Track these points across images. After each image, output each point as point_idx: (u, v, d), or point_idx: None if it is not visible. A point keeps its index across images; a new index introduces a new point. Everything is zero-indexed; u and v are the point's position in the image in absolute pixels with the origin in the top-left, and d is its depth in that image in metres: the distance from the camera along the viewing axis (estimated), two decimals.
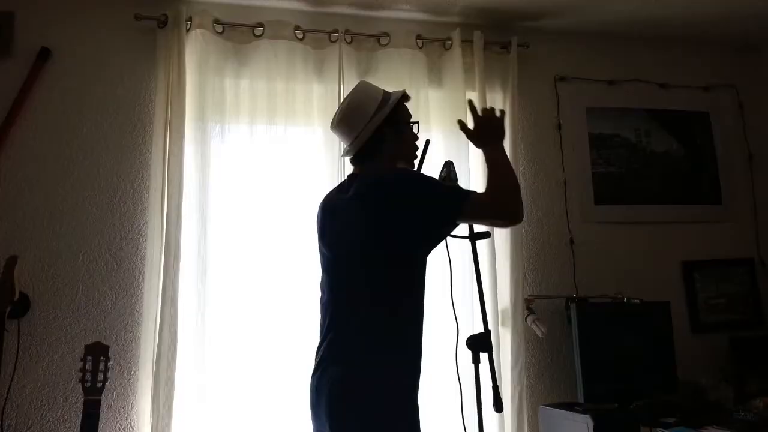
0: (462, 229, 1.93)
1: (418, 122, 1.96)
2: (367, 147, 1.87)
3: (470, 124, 1.96)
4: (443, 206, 1.75)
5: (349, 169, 2.00)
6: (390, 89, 2.92)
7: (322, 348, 1.78)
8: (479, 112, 1.97)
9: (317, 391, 1.73)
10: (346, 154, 1.96)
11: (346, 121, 1.90)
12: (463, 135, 2.87)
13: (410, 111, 1.97)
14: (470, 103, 2.02)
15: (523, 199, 2.99)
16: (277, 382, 2.57)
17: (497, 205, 1.77)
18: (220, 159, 2.71)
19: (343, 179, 2.04)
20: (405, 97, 1.95)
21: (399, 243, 1.73)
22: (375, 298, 1.73)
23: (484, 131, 1.94)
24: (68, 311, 2.53)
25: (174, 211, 2.54)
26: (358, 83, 2.00)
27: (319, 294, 1.89)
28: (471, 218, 1.86)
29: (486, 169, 1.92)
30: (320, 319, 1.85)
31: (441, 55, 3.01)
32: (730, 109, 3.46)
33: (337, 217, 1.87)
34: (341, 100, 2.76)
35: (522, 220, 1.83)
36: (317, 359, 1.78)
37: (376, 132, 1.86)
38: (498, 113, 1.96)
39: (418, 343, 1.75)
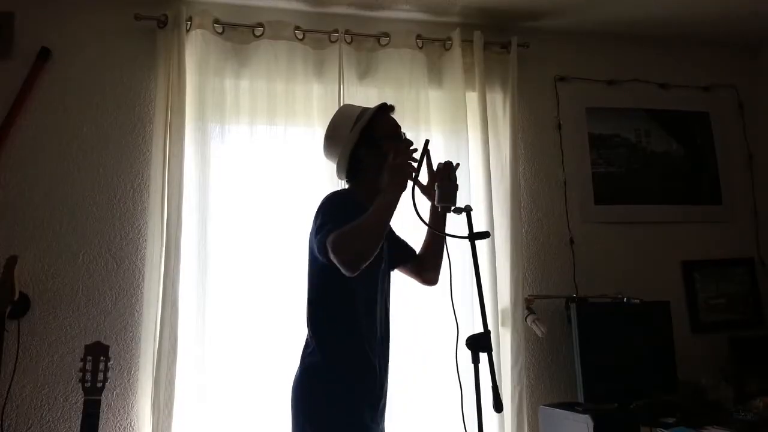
0: (462, 229, 1.92)
1: (403, 132, 1.97)
2: (349, 170, 1.94)
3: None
4: (317, 244, 1.78)
5: None
6: (390, 89, 2.94)
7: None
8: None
9: None
10: (338, 176, 2.04)
11: (325, 149, 1.99)
12: (463, 135, 2.91)
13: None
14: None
15: (522, 200, 3.03)
16: (278, 382, 2.57)
17: (337, 251, 1.67)
18: (220, 159, 2.71)
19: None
20: (384, 110, 1.95)
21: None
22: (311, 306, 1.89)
23: (394, 173, 1.83)
24: (68, 311, 2.53)
25: (174, 211, 2.55)
26: (340, 107, 2.05)
27: None
28: (328, 259, 1.73)
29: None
30: None
31: (441, 55, 3.01)
32: (730, 109, 3.46)
33: None
34: (341, 101, 2.77)
35: (354, 269, 1.67)
36: None
37: (353, 155, 1.90)
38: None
39: (355, 351, 1.83)
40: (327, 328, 1.85)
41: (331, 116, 2.01)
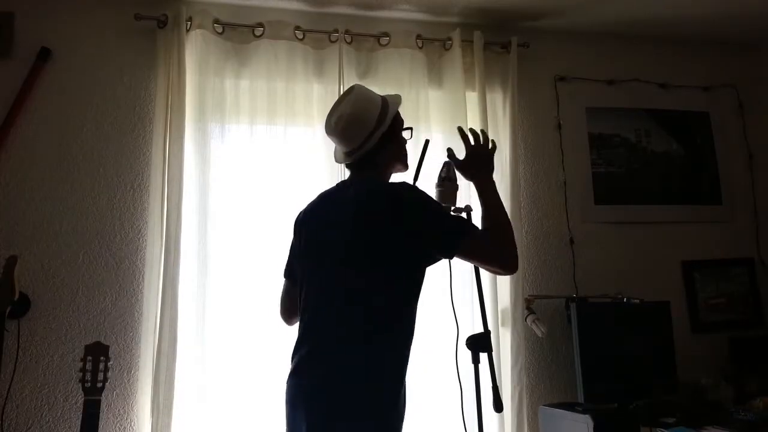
0: None
1: (411, 128, 1.96)
2: (367, 155, 1.86)
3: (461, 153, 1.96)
4: (443, 238, 1.74)
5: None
6: (390, 89, 2.92)
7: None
8: (471, 140, 1.96)
9: None
10: (344, 161, 1.94)
11: (349, 130, 1.85)
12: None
13: (408, 112, 1.98)
14: (460, 130, 2.01)
15: (522, 200, 3.04)
16: (278, 382, 2.56)
17: (498, 252, 1.77)
18: (220, 159, 2.71)
19: (338, 182, 2.03)
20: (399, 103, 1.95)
21: (388, 257, 1.71)
22: (355, 301, 1.71)
23: (474, 162, 1.93)
24: (68, 311, 2.53)
25: (174, 211, 2.54)
26: (356, 88, 1.93)
27: None
28: (466, 257, 1.80)
29: (481, 206, 1.88)
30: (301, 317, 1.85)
31: (441, 55, 3.01)
32: (730, 109, 3.46)
33: (332, 220, 1.85)
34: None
35: (516, 267, 1.82)
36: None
37: (380, 141, 1.85)
38: (490, 144, 1.96)
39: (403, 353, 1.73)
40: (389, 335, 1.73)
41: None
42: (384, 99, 1.92)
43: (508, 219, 1.85)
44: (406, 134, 1.95)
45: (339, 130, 1.87)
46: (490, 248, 1.77)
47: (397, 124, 1.92)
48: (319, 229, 1.88)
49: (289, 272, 2.01)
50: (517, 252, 1.80)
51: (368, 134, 1.83)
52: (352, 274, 1.72)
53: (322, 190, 2.02)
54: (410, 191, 1.79)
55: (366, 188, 1.82)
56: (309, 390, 1.68)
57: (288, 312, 2.01)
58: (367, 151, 1.85)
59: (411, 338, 1.75)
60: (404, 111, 2.79)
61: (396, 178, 1.95)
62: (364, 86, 1.98)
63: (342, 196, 1.86)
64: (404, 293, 1.74)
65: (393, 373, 1.68)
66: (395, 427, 1.66)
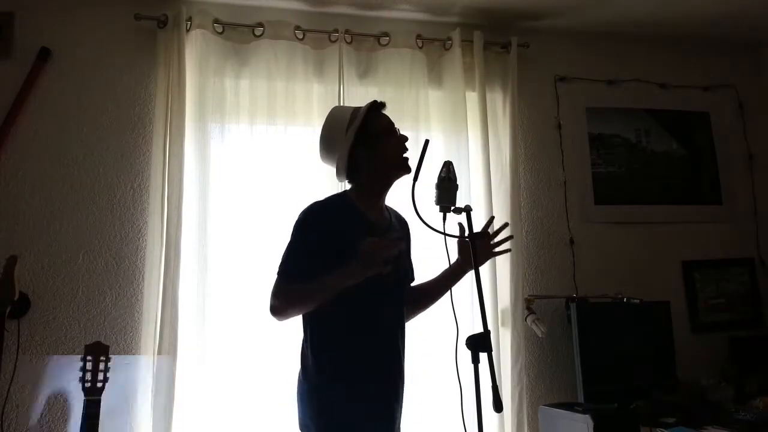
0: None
1: (393, 125, 1.96)
2: (348, 170, 1.93)
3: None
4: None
5: None
6: (390, 89, 2.94)
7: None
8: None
9: None
10: (338, 178, 2.04)
11: (322, 154, 1.98)
12: (463, 135, 2.90)
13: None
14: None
15: (522, 200, 3.02)
16: (278, 381, 2.57)
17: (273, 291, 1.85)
18: (220, 159, 2.71)
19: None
20: (375, 107, 1.94)
21: None
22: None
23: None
24: (68, 311, 2.53)
25: (174, 211, 2.54)
26: (330, 111, 2.01)
27: None
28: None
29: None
30: None
31: (441, 55, 3.01)
32: (730, 109, 3.46)
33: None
34: (341, 101, 2.77)
35: (275, 316, 1.85)
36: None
37: (350, 156, 1.89)
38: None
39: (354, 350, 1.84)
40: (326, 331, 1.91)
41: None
42: (354, 110, 1.94)
43: (313, 295, 1.84)
44: (392, 136, 1.94)
45: (319, 153, 1.99)
46: (272, 291, 1.85)
47: (370, 129, 1.91)
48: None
49: None
50: (281, 309, 1.84)
51: (338, 150, 1.90)
52: None
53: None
54: (303, 212, 1.92)
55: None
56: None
57: None
58: (346, 169, 1.92)
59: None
60: (404, 111, 2.83)
61: (400, 183, 1.97)
62: (340, 106, 2.08)
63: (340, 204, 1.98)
64: None
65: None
66: None
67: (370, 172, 1.92)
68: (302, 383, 1.87)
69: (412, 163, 1.95)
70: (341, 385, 1.80)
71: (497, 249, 2.07)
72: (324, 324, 1.85)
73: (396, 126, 1.98)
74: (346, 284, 1.75)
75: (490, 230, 2.08)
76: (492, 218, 2.16)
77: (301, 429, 1.85)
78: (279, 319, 1.85)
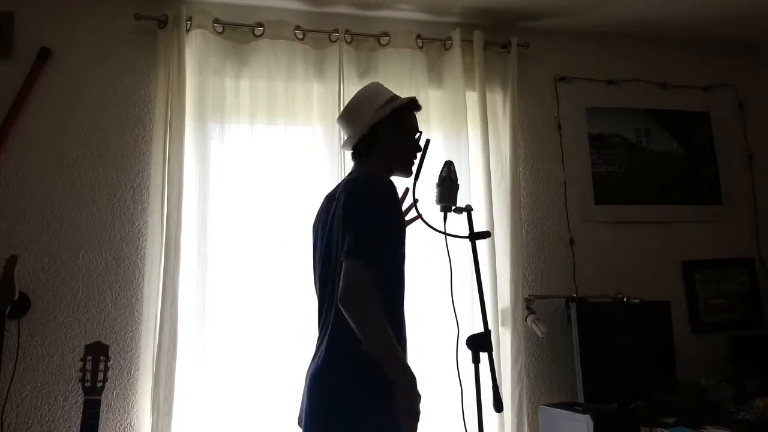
0: (462, 228, 1.93)
1: (421, 132, 1.97)
2: (362, 144, 1.91)
3: None
4: (347, 241, 1.66)
5: (350, 167, 2.02)
6: (390, 89, 2.93)
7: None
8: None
9: None
10: (344, 146, 2.02)
11: (347, 114, 1.97)
12: (463, 135, 2.90)
13: (417, 121, 1.98)
14: None
15: (522, 200, 3.02)
16: (278, 381, 2.57)
17: (352, 292, 1.62)
18: (220, 159, 2.71)
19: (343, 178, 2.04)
20: (414, 106, 1.97)
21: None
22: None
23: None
24: (68, 311, 2.53)
25: (174, 211, 2.54)
26: (371, 83, 2.03)
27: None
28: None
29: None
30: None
31: (441, 55, 3.01)
32: (730, 109, 3.46)
33: (329, 212, 1.87)
34: (341, 101, 2.77)
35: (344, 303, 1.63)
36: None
37: (372, 130, 1.89)
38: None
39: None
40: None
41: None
42: (394, 95, 1.96)
43: (379, 346, 1.62)
44: (418, 141, 1.96)
45: (342, 114, 1.97)
46: (352, 281, 1.62)
47: (401, 121, 1.93)
48: (321, 235, 1.90)
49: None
50: (359, 317, 1.62)
51: (364, 119, 1.89)
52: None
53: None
54: (376, 181, 1.76)
55: (343, 183, 1.85)
56: None
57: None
58: (361, 139, 1.90)
59: None
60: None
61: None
62: (382, 84, 2.03)
63: (335, 195, 1.88)
64: None
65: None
66: None
67: (382, 155, 1.91)
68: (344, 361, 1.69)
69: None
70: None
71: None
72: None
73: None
74: (392, 374, 1.60)
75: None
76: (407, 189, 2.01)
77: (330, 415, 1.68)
78: (348, 307, 1.61)
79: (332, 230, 1.79)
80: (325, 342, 1.75)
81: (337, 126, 2.53)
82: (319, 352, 1.77)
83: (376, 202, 1.74)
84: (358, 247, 1.65)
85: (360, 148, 1.93)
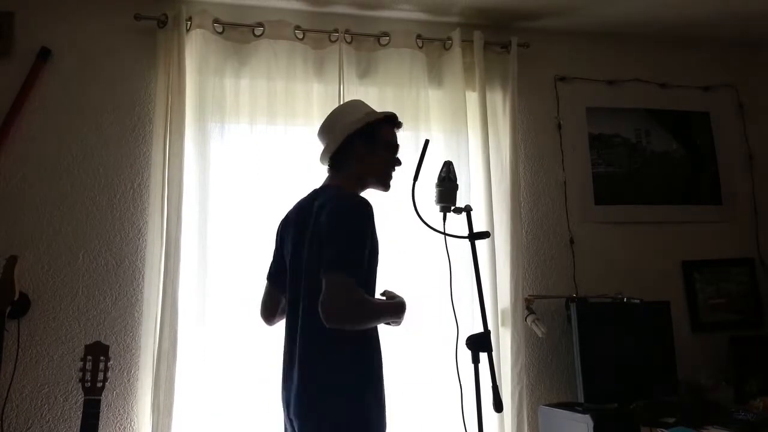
0: (462, 228, 1.93)
1: (398, 146, 1.96)
2: (337, 156, 1.91)
3: None
4: (324, 257, 1.67)
5: None
6: (390, 89, 2.94)
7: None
8: None
9: None
10: (320, 158, 2.00)
11: (323, 127, 1.97)
12: (463, 135, 2.91)
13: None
14: None
15: (522, 200, 3.02)
16: (278, 382, 2.57)
17: (332, 303, 1.63)
18: (220, 158, 2.71)
19: (312, 190, 1.99)
20: (392, 121, 1.95)
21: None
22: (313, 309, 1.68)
23: None
24: (68, 311, 2.53)
25: (174, 211, 2.54)
26: (353, 100, 2.05)
27: None
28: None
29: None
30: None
31: (441, 55, 3.01)
32: (730, 109, 3.46)
33: (303, 225, 1.85)
34: (341, 101, 2.77)
35: (331, 324, 1.63)
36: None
37: (346, 142, 1.88)
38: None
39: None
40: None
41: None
42: (374, 111, 1.96)
43: (374, 318, 1.75)
44: (394, 156, 1.95)
45: (320, 126, 1.98)
46: (333, 295, 1.62)
47: (375, 133, 1.91)
48: (293, 242, 1.89)
49: (270, 275, 2.06)
50: (346, 321, 1.66)
51: (338, 131, 1.89)
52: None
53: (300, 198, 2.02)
54: (354, 204, 1.76)
55: (321, 201, 1.82)
56: None
57: (268, 312, 2.06)
58: (335, 152, 1.90)
59: None
60: (404, 111, 2.82)
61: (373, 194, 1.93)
62: (362, 101, 2.04)
63: (309, 207, 1.85)
64: None
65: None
66: None
67: (357, 168, 1.91)
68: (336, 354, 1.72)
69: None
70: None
71: None
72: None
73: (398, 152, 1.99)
74: (388, 319, 1.77)
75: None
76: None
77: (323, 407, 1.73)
78: (348, 327, 1.67)
79: (304, 246, 1.80)
80: (296, 372, 1.78)
81: None
82: (292, 380, 1.80)
83: (357, 226, 1.72)
84: (340, 260, 1.65)
85: (334, 160, 1.93)
